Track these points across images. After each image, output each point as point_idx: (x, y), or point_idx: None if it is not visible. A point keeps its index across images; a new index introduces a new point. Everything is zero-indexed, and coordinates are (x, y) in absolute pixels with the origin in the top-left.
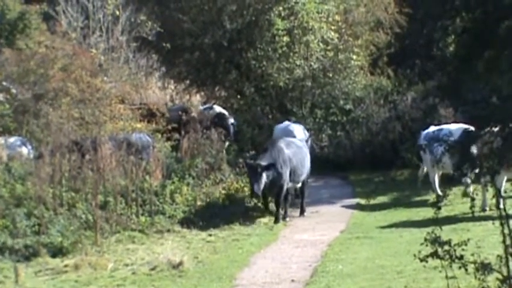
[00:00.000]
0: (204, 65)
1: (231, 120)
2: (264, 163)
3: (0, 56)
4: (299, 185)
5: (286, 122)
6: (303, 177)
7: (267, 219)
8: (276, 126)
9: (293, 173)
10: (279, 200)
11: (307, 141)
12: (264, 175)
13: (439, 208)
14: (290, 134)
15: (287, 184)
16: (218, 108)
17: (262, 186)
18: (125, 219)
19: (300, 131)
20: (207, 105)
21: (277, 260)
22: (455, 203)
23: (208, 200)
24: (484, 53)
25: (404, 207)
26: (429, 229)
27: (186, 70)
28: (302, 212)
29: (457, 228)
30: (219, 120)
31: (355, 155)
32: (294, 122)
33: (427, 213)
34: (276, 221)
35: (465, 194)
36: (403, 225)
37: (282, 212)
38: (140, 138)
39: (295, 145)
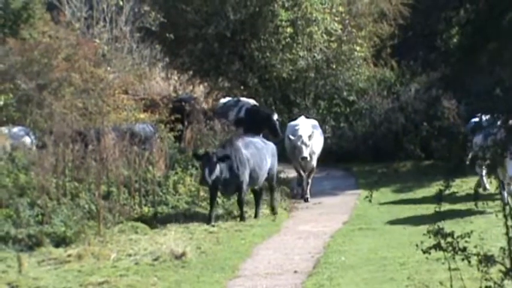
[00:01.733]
0: (208, 55)
1: (275, 117)
2: (219, 154)
3: (4, 46)
4: (255, 187)
5: (301, 118)
6: (260, 180)
7: (268, 211)
8: (289, 124)
9: (250, 175)
10: (241, 200)
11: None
12: (218, 166)
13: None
14: (295, 133)
15: (246, 185)
16: (250, 102)
17: (214, 176)
18: (128, 210)
19: (305, 132)
20: (230, 99)
21: (280, 251)
22: (459, 195)
23: None
24: (487, 45)
25: (407, 198)
26: (432, 221)
27: (190, 61)
28: (256, 215)
29: (460, 220)
30: (259, 119)
31: (358, 146)
32: (307, 117)
33: (430, 204)
34: (242, 219)
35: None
36: (406, 217)
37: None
38: (143, 129)
39: (254, 146)
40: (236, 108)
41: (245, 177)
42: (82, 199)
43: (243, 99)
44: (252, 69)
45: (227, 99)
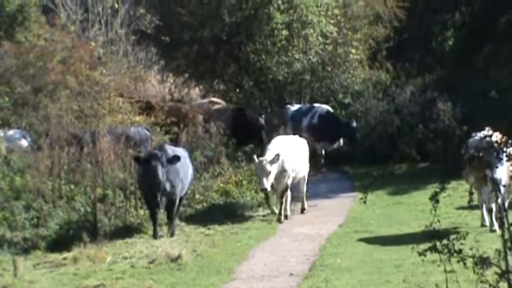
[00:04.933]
0: (203, 58)
1: (354, 124)
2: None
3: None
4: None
5: (284, 137)
6: (184, 191)
7: (265, 213)
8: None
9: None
10: (172, 213)
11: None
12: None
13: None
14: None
15: (179, 196)
16: (324, 107)
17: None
18: (124, 212)
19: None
20: (302, 105)
21: (276, 254)
22: (454, 197)
23: (206, 193)
24: (482, 47)
25: (403, 201)
26: (428, 223)
27: (185, 63)
28: (172, 234)
29: (456, 222)
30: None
31: (353, 148)
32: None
33: (426, 206)
34: (172, 234)
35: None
36: (402, 219)
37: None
38: (138, 132)
39: (180, 154)
40: (310, 114)
41: (178, 188)
42: (78, 202)
43: (317, 105)
44: (248, 72)
45: (297, 106)
